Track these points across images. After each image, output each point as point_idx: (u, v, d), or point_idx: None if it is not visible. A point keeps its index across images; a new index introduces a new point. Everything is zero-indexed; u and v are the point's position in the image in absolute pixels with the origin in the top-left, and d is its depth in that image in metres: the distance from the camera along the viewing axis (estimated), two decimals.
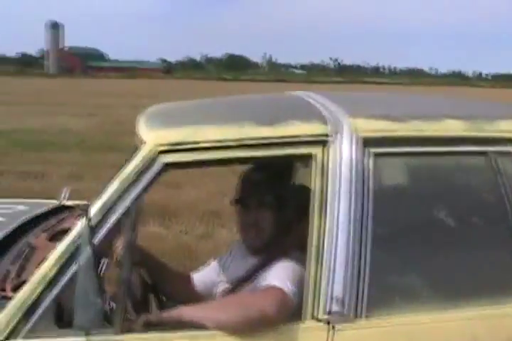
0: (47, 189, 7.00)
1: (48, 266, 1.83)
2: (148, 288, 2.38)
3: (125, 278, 1.83)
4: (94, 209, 1.87)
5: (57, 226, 2.72)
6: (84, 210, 1.81)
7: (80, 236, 1.81)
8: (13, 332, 1.79)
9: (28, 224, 2.86)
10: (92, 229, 1.82)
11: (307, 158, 1.99)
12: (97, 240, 1.83)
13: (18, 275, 2.19)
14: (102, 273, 2.29)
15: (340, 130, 2.01)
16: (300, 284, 1.91)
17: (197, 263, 5.01)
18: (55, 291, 1.82)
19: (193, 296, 2.40)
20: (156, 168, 1.92)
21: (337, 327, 1.86)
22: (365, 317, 1.88)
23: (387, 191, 2.05)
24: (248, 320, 1.82)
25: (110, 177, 1.95)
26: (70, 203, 3.30)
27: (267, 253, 2.15)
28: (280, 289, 1.88)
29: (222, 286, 2.28)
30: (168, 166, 1.94)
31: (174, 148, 1.94)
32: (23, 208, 3.07)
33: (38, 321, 1.80)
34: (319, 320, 1.86)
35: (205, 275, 2.44)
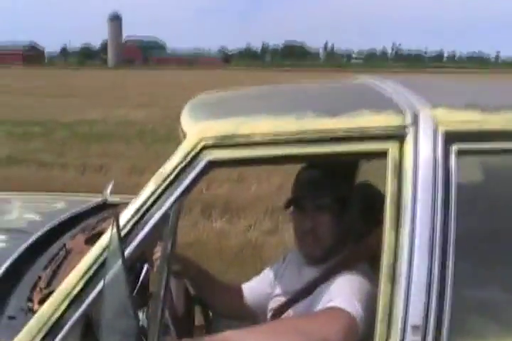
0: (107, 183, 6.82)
1: (72, 281, 1.58)
2: (193, 301, 2.11)
3: (162, 292, 1.55)
4: (126, 216, 1.60)
5: (96, 227, 2.48)
6: (115, 216, 1.54)
7: (108, 247, 1.54)
8: None
9: (66, 223, 2.63)
10: (124, 239, 1.55)
11: (379, 156, 1.68)
12: (129, 251, 1.57)
13: (49, 284, 1.95)
14: (137, 289, 2.02)
15: (419, 122, 1.68)
16: (368, 304, 1.62)
17: (262, 261, 4.91)
18: (80, 309, 1.56)
19: (242, 310, 2.13)
20: (199, 166, 1.64)
21: None
22: None
23: (474, 197, 1.71)
24: None
25: None
26: (115, 199, 3.04)
27: (327, 265, 1.86)
28: (347, 313, 1.58)
29: (276, 301, 1.99)
30: (213, 164, 1.65)
31: (221, 143, 1.65)
32: (62, 206, 2.84)
33: None
34: None
35: (257, 287, 2.16)
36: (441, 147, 1.65)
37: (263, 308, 2.06)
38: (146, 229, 1.59)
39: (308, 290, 1.83)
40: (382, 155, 1.67)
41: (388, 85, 1.99)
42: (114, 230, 1.50)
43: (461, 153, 1.66)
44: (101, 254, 1.59)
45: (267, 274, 2.15)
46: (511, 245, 1.69)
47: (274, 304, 2.00)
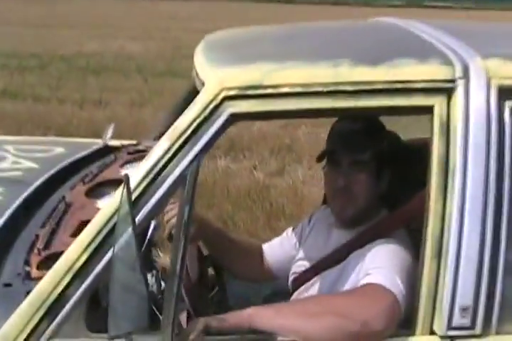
0: (108, 118, 6.64)
1: (75, 252, 1.40)
2: (206, 263, 1.94)
3: (178, 266, 1.36)
4: (137, 177, 1.41)
5: (97, 177, 2.28)
6: (125, 178, 1.34)
7: (118, 213, 1.35)
8: (31, 336, 1.38)
9: (66, 170, 2.43)
10: (134, 204, 1.36)
11: (423, 112, 1.48)
12: (140, 218, 1.38)
13: (47, 245, 1.78)
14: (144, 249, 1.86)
15: (469, 75, 1.48)
16: (408, 280, 1.45)
17: (267, 202, 4.78)
18: (85, 284, 1.39)
19: (262, 272, 1.97)
20: (220, 119, 1.44)
21: None
22: (495, 333, 1.41)
23: None
24: (347, 335, 1.37)
25: None
26: (116, 143, 2.83)
27: (359, 229, 1.69)
28: (390, 293, 1.40)
29: (300, 265, 1.83)
30: (236, 117, 1.45)
31: (245, 94, 1.45)
32: (61, 151, 2.62)
33: (63, 323, 1.39)
34: (440, 337, 1.40)
35: (279, 248, 1.98)
36: (494, 103, 1.46)
37: (284, 271, 1.90)
38: (160, 192, 1.40)
39: (339, 256, 1.66)
40: (427, 111, 1.47)
41: (426, 29, 1.77)
42: (125, 194, 1.30)
43: None
44: (107, 223, 1.40)
45: (291, 235, 1.98)
46: None
47: (297, 268, 1.84)
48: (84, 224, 1.86)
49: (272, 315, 1.40)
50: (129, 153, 2.61)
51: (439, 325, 1.39)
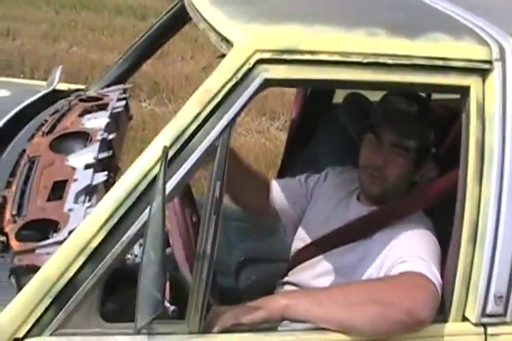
0: (19, 48, 6.26)
1: (89, 229, 1.24)
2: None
3: (210, 245, 1.25)
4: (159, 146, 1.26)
5: (57, 127, 2.07)
6: (164, 152, 1.19)
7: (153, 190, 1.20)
8: (34, 328, 1.23)
9: (16, 118, 2.19)
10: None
11: (460, 91, 1.43)
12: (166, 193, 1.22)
13: (20, 209, 1.60)
14: None
15: (505, 57, 1.44)
16: (440, 266, 1.42)
17: None
18: (100, 268, 1.24)
19: (266, 208, 1.86)
20: (253, 84, 1.32)
21: (491, 332, 1.40)
22: None
23: None
24: (392, 325, 1.32)
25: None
26: (62, 87, 2.61)
27: (382, 206, 1.63)
28: (429, 281, 1.36)
29: (310, 231, 1.73)
30: (270, 83, 1.34)
31: (280, 58, 1.33)
32: (5, 94, 2.37)
33: (73, 312, 1.24)
34: (474, 324, 1.39)
35: (290, 189, 1.86)
36: None
37: (286, 215, 1.83)
38: (188, 165, 1.27)
39: (360, 232, 1.60)
40: (463, 91, 1.42)
41: (438, 3, 1.71)
42: (162, 169, 1.16)
43: None
44: (126, 198, 1.24)
45: (304, 184, 1.86)
46: None
47: (305, 233, 1.74)
48: (58, 185, 1.71)
49: (309, 305, 1.33)
50: (82, 100, 2.43)
51: (473, 312, 1.39)
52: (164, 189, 1.17)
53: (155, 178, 1.21)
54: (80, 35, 7.47)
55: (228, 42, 1.38)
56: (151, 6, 10.36)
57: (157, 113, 5.41)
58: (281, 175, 2.50)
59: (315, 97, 2.44)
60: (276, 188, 1.86)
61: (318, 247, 1.67)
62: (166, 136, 1.28)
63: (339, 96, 2.44)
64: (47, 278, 1.23)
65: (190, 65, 6.84)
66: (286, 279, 1.74)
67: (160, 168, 1.17)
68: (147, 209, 1.20)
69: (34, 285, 1.23)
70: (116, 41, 7.51)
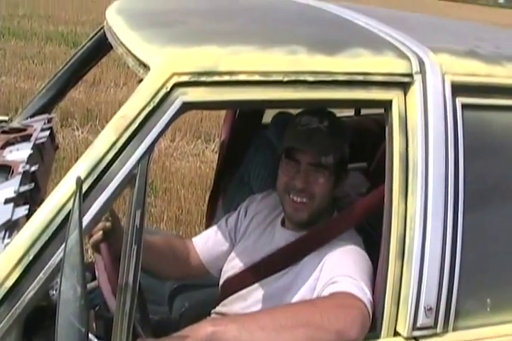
0: None
1: (3, 267, 1.17)
2: None
3: (131, 285, 1.19)
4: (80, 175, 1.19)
5: None
6: (78, 182, 1.13)
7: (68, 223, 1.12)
8: None
9: None
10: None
11: (382, 105, 1.42)
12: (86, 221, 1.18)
13: None
14: None
15: (425, 70, 1.44)
16: (371, 283, 1.40)
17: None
18: (18, 308, 1.16)
19: (192, 271, 1.82)
20: (171, 108, 1.28)
21: None
22: (452, 330, 1.41)
23: (481, 157, 1.51)
24: None
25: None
26: None
27: (310, 230, 1.59)
28: (359, 300, 1.34)
29: (237, 265, 1.70)
30: (189, 106, 1.30)
31: (198, 80, 1.30)
32: None
33: None
34: (405, 338, 1.37)
35: (213, 240, 1.82)
36: (449, 99, 1.44)
37: (216, 267, 1.78)
38: (105, 195, 1.21)
39: (289, 258, 1.56)
40: (385, 105, 1.42)
41: (366, 20, 1.71)
42: (77, 200, 1.10)
43: (466, 107, 1.46)
44: (43, 231, 1.18)
45: (224, 226, 1.82)
46: None
47: (232, 268, 1.71)
48: None
49: (237, 332, 1.27)
50: (4, 132, 2.35)
51: (404, 326, 1.37)
52: (81, 222, 1.11)
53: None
54: (9, 63, 7.31)
55: (145, 67, 1.34)
56: (82, 33, 10.28)
57: (91, 141, 5.27)
58: (213, 197, 2.46)
59: (244, 118, 2.42)
60: (198, 246, 1.82)
61: (248, 277, 1.63)
62: (81, 167, 1.22)
63: (270, 116, 2.43)
64: None
65: (123, 91, 6.78)
66: (218, 310, 1.70)
67: (74, 201, 1.10)
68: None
69: None
70: (47, 69, 7.42)
